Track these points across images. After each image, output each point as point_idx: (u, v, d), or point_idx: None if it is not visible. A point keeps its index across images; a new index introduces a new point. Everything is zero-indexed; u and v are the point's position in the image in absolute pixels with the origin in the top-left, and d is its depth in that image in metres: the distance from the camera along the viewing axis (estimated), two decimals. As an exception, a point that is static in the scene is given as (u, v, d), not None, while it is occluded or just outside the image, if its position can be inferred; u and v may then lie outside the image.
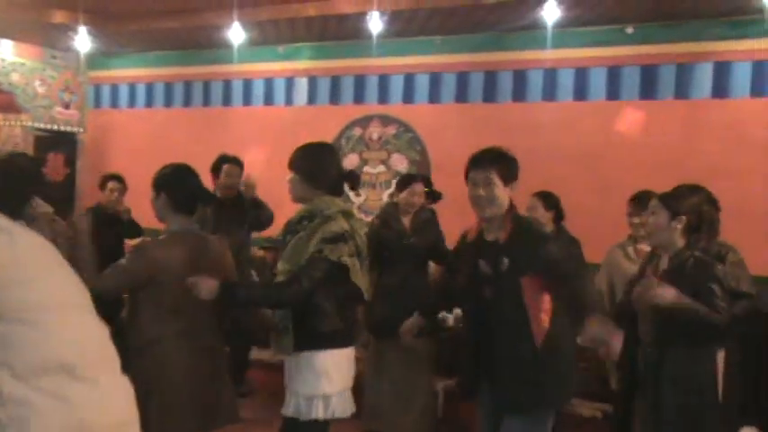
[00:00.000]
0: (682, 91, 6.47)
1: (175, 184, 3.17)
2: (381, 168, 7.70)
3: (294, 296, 2.87)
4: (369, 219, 6.05)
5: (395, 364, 4.88)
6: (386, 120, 7.75)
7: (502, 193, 2.96)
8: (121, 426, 2.02)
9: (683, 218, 3.19)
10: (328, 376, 2.96)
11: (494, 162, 2.99)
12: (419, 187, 5.02)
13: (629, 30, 6.57)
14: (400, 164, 7.49)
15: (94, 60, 8.73)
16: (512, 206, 3.05)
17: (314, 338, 2.97)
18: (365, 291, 3.06)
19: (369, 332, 4.99)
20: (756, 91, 6.20)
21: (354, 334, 3.18)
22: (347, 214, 3.08)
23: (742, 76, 6.25)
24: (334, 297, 2.97)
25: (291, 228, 3.10)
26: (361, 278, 3.01)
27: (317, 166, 3.10)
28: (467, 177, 3.06)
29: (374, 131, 7.81)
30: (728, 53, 6.28)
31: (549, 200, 4.90)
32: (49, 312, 1.89)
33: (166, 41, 8.12)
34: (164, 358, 2.98)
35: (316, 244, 2.92)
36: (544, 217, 4.81)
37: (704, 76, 6.39)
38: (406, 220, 5.00)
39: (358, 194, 5.97)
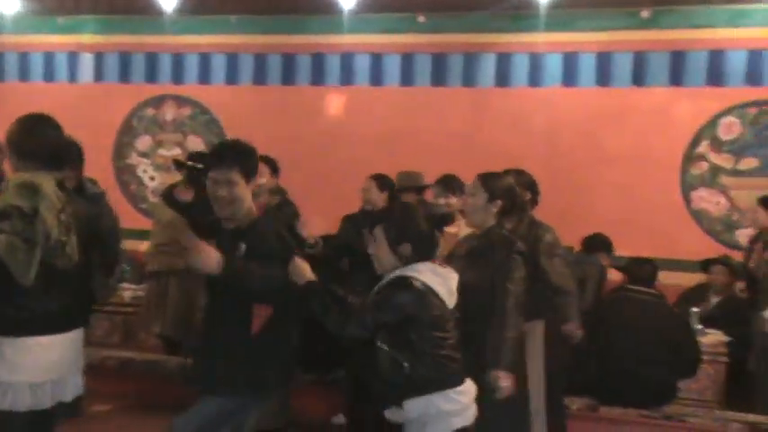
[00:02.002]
0: (469, 79, 6.86)
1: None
2: (177, 151, 7.43)
3: None
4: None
5: None
6: (181, 100, 7.49)
7: (243, 191, 2.92)
8: None
9: (499, 201, 3.36)
10: (9, 363, 2.73)
11: (236, 161, 2.94)
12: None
13: (421, 18, 6.83)
14: (197, 146, 7.26)
15: None
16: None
17: None
18: (21, 276, 2.71)
19: None
20: (534, 81, 6.72)
21: (71, 320, 2.90)
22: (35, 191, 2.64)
23: (521, 67, 6.74)
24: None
25: None
26: (20, 261, 2.69)
27: (25, 140, 2.81)
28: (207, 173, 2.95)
29: (168, 112, 7.53)
30: (510, 45, 6.74)
31: (382, 181, 4.99)
32: None
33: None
34: None
35: None
36: (379, 197, 4.89)
37: (488, 66, 6.82)
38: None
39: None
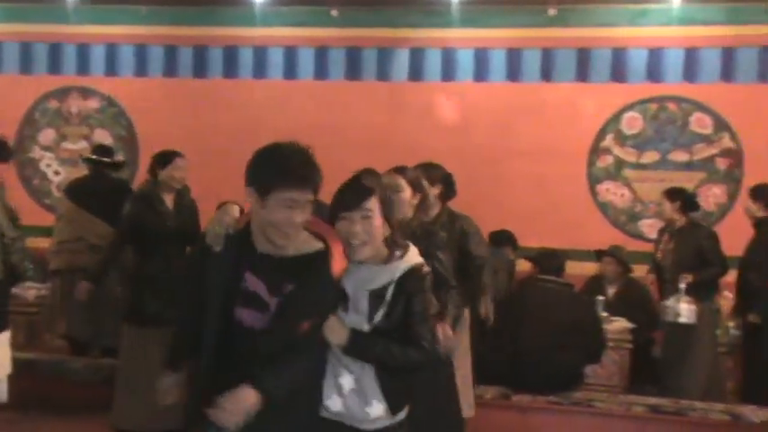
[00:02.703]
0: (383, 73, 6.90)
1: None
2: (83, 144, 7.18)
3: None
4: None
5: (158, 356, 4.53)
6: (87, 92, 7.25)
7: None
8: None
9: (419, 194, 3.45)
10: None
11: (316, 180, 2.86)
12: (182, 162, 4.70)
13: (334, 12, 6.82)
14: (104, 140, 7.03)
15: None
16: None
17: None
18: None
19: (127, 321, 4.59)
20: (446, 76, 6.81)
21: None
22: None
23: (434, 62, 6.83)
24: None
25: None
26: None
27: None
28: None
29: (73, 105, 7.27)
30: (423, 40, 6.82)
31: None
32: None
33: None
34: None
35: None
36: None
37: (402, 61, 6.87)
38: (169, 200, 4.61)
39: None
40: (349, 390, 2.22)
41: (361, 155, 5.78)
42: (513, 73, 6.71)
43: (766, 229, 5.19)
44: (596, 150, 6.63)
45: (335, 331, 2.19)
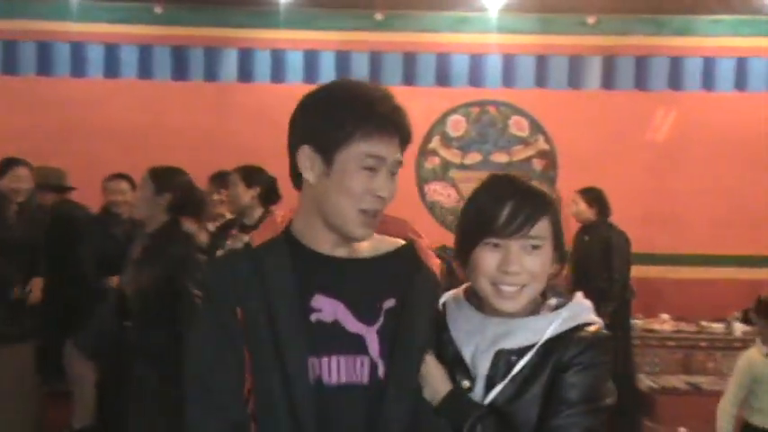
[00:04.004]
0: (211, 74, 6.75)
1: None
2: None
3: None
4: None
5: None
6: None
7: None
8: None
9: (168, 195, 3.33)
10: None
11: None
12: (23, 171, 4.34)
13: (158, 9, 6.59)
14: None
15: None
16: None
17: None
18: None
19: None
20: (276, 77, 6.77)
21: None
22: None
23: (263, 63, 6.77)
24: None
25: None
26: None
27: None
28: None
29: None
30: (251, 41, 6.74)
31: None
32: None
33: None
34: None
35: None
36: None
37: (231, 61, 6.76)
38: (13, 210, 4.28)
39: None
40: None
41: (187, 157, 5.65)
42: (342, 75, 6.77)
43: (600, 232, 5.45)
44: (424, 152, 6.86)
45: (433, 378, 1.44)
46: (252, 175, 4.03)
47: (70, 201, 5.36)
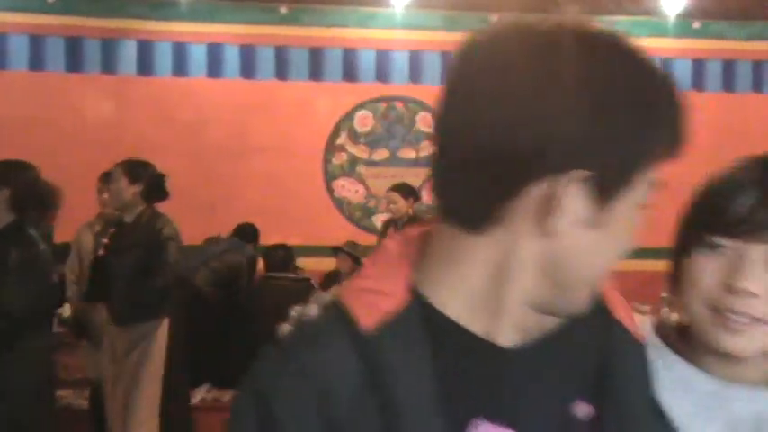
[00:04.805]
0: (108, 66, 6.47)
1: None
2: None
3: None
4: None
5: None
6: None
7: None
8: None
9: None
10: None
11: None
12: None
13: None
14: None
15: None
16: None
17: None
18: None
19: None
20: (178, 71, 6.56)
21: None
22: None
23: (164, 56, 6.54)
24: None
25: None
26: None
27: None
28: None
29: None
30: (151, 33, 6.50)
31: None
32: None
33: None
34: None
35: None
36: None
37: (129, 53, 6.50)
38: None
39: None
40: None
41: (84, 151, 5.42)
42: (247, 70, 6.64)
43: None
44: (331, 148, 6.80)
45: None
46: (136, 169, 3.79)
47: None
